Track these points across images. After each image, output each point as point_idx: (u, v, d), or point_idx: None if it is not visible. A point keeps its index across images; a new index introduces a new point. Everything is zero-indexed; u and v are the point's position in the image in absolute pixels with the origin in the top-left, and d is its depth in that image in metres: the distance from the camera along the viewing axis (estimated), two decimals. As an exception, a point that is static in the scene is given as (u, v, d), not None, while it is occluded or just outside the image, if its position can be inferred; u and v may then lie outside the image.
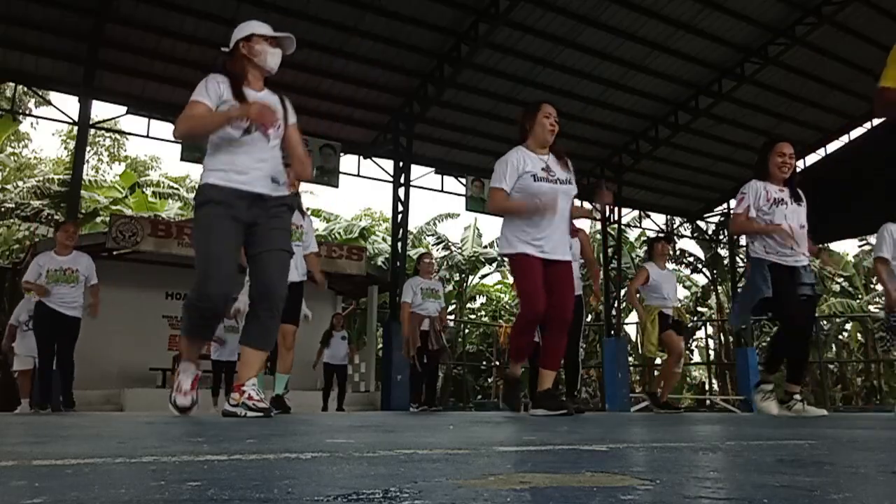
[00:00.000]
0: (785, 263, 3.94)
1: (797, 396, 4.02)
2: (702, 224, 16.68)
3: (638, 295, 5.83)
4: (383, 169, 12.13)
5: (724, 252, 17.96)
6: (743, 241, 15.37)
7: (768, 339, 22.85)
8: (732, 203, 15.35)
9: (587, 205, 11.20)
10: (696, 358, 23.17)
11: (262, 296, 2.91)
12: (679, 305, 6.06)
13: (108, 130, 17.31)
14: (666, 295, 5.78)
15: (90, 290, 5.97)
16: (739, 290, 4.37)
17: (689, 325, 6.25)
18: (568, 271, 3.73)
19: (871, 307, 20.50)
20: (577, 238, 5.13)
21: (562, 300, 3.62)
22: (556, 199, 3.52)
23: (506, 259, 3.96)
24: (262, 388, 4.86)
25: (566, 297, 3.66)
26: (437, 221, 20.99)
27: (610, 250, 14.70)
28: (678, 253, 20.60)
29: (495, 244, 22.42)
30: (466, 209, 12.83)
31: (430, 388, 7.23)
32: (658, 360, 21.77)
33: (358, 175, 12.12)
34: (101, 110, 60.41)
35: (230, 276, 2.80)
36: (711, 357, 21.89)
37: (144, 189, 17.64)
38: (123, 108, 10.56)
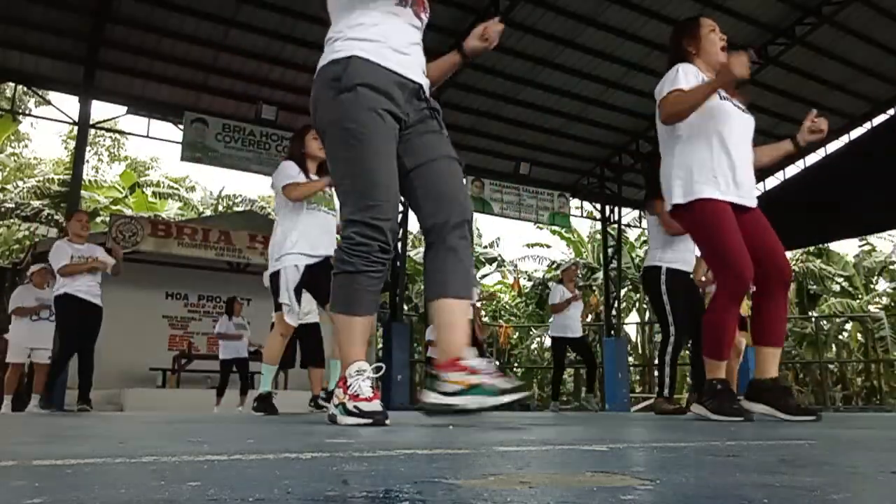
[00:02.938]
0: None
1: None
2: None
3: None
4: (383, 169, 12.12)
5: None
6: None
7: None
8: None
9: None
10: (696, 358, 23.12)
11: (448, 214, 1.99)
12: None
13: (108, 130, 17.28)
14: None
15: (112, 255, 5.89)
16: None
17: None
18: (763, 216, 2.84)
19: (871, 307, 20.49)
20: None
21: (775, 252, 2.74)
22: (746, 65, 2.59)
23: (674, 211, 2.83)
24: (334, 377, 4.34)
25: (777, 246, 2.77)
26: (436, 221, 20.96)
27: (610, 250, 14.70)
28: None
29: (495, 244, 22.42)
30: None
31: None
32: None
33: (358, 175, 12.10)
34: (101, 110, 60.43)
35: (396, 200, 1.98)
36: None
37: (144, 189, 17.67)
38: (123, 108, 10.57)
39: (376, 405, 1.92)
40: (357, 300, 1.99)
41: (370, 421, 1.88)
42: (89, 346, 5.71)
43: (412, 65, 2.04)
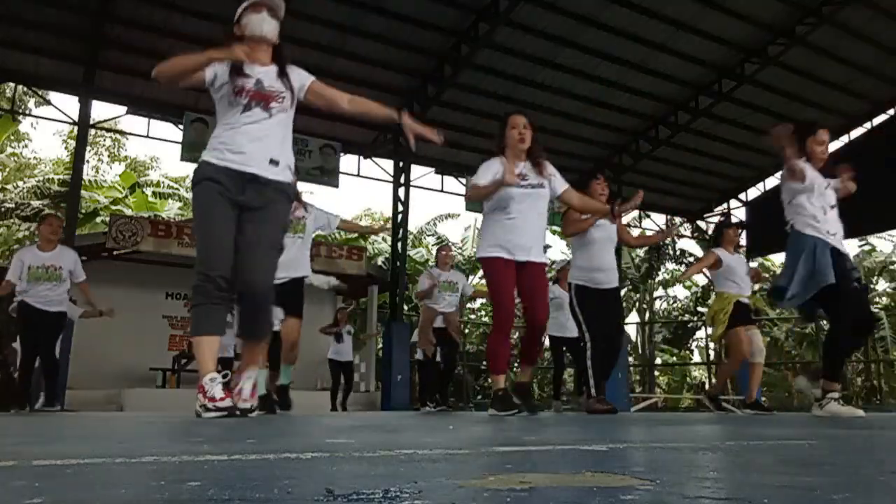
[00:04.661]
0: (840, 249, 3.85)
1: (835, 395, 3.80)
2: (702, 224, 16.67)
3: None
4: (383, 169, 12.13)
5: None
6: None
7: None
8: (734, 203, 15.43)
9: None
10: (696, 358, 23.18)
11: (242, 295, 2.85)
12: (752, 293, 5.63)
13: (108, 130, 17.31)
14: (740, 281, 5.50)
15: (79, 287, 5.66)
16: (785, 268, 3.96)
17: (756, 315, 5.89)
18: (542, 273, 3.90)
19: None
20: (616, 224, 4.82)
21: (536, 303, 3.81)
22: (517, 171, 3.67)
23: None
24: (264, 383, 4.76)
25: (540, 300, 3.87)
26: (437, 221, 20.97)
27: (610, 250, 14.69)
28: (678, 253, 20.58)
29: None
30: (466, 209, 12.86)
31: (443, 386, 7.05)
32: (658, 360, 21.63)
33: (358, 175, 12.12)
34: (101, 110, 60.40)
35: (227, 255, 2.75)
36: (711, 357, 21.87)
37: (144, 189, 17.63)
38: (123, 108, 10.56)
39: (228, 402, 2.68)
40: (202, 326, 2.78)
41: (225, 413, 2.62)
42: (46, 348, 5.60)
43: (248, 160, 2.77)
